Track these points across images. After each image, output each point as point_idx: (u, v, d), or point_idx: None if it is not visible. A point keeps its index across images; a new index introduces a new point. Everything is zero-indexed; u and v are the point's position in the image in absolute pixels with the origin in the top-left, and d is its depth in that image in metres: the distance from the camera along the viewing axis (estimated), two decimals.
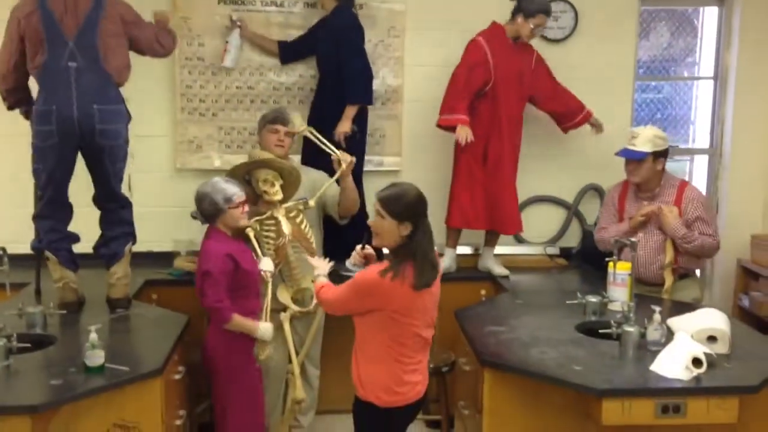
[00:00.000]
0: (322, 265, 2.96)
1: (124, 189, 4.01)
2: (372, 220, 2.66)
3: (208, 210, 3.22)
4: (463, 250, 4.48)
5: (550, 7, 4.04)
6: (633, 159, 3.75)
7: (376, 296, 2.60)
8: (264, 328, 3.22)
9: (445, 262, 4.19)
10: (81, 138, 3.25)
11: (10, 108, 3.54)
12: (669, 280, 3.73)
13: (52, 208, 3.38)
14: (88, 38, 3.23)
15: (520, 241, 4.69)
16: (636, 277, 3.73)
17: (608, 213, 3.98)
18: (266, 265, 3.30)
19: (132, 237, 3.58)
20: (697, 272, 4.13)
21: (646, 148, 3.71)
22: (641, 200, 3.83)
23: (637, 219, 3.75)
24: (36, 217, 3.44)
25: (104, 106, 3.26)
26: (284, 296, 3.58)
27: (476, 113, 4.08)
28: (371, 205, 2.84)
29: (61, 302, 3.38)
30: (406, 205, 2.59)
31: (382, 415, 2.68)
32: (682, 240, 3.67)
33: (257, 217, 3.46)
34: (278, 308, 3.58)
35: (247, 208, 3.29)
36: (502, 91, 4.05)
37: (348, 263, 2.81)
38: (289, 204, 3.53)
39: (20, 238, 3.69)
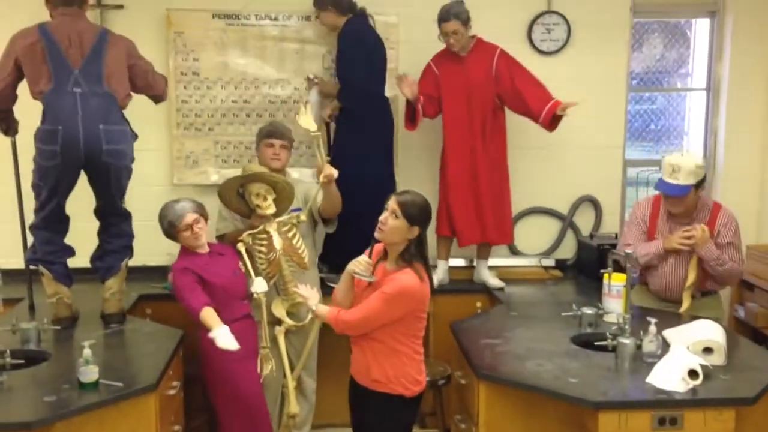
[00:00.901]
0: (313, 294, 2.98)
1: None
2: (383, 216, 2.76)
3: (166, 233, 3.36)
4: (457, 262, 4.49)
5: (445, 13, 4.01)
6: (678, 195, 3.54)
7: (414, 300, 2.77)
8: (219, 333, 3.08)
9: (438, 275, 4.20)
10: (85, 158, 3.27)
11: None
12: (687, 301, 3.60)
13: (49, 221, 3.39)
14: (94, 66, 3.29)
15: (514, 252, 4.69)
16: (663, 296, 3.70)
17: (636, 230, 3.78)
18: (259, 286, 3.28)
19: (130, 251, 3.58)
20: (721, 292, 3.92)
21: (690, 181, 3.49)
22: (676, 222, 3.66)
23: (675, 246, 3.55)
24: (33, 228, 3.43)
25: (110, 127, 3.30)
26: (279, 310, 3.57)
27: (446, 128, 4.16)
28: None
29: (55, 318, 3.38)
30: (420, 212, 2.78)
31: (410, 404, 2.87)
32: (715, 262, 3.53)
33: (249, 231, 3.45)
34: (273, 322, 3.57)
35: (197, 228, 3.29)
36: (456, 104, 4.10)
37: (358, 270, 2.79)
38: (282, 218, 3.52)
39: (12, 253, 3.68)
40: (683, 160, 3.51)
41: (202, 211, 3.37)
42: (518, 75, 4.12)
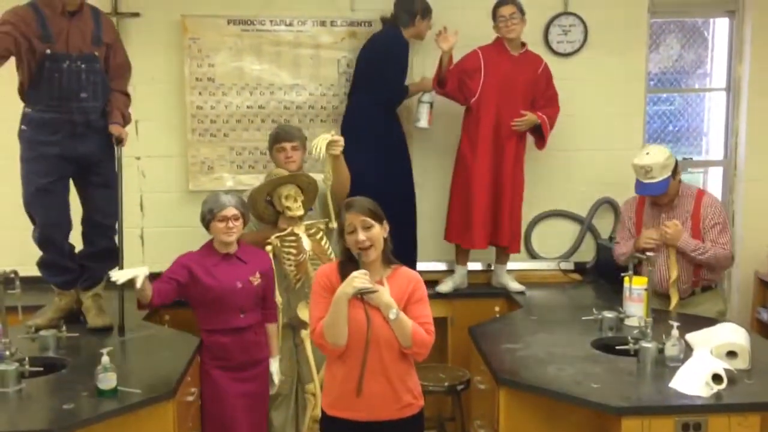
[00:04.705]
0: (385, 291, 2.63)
1: (136, 208, 3.96)
2: (361, 236, 2.55)
3: (202, 219, 3.31)
4: (475, 266, 4.45)
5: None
6: (661, 193, 3.63)
7: None
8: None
9: (456, 280, 4.18)
10: None
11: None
12: (675, 297, 3.63)
13: None
14: None
15: (533, 256, 4.65)
16: (659, 291, 3.68)
17: (623, 228, 3.90)
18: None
19: None
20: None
21: (665, 174, 3.58)
22: (659, 211, 3.72)
23: (642, 245, 3.61)
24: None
25: None
26: (304, 313, 3.55)
27: (477, 123, 4.08)
28: None
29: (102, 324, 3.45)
30: (378, 207, 2.64)
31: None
32: (695, 253, 3.58)
33: (278, 234, 3.45)
34: (298, 325, 3.55)
35: (233, 224, 3.24)
36: (495, 99, 4.05)
37: (362, 285, 2.49)
38: (311, 222, 3.52)
39: (31, 260, 3.68)
40: (652, 158, 3.59)
41: (244, 210, 3.32)
42: (550, 89, 4.19)
